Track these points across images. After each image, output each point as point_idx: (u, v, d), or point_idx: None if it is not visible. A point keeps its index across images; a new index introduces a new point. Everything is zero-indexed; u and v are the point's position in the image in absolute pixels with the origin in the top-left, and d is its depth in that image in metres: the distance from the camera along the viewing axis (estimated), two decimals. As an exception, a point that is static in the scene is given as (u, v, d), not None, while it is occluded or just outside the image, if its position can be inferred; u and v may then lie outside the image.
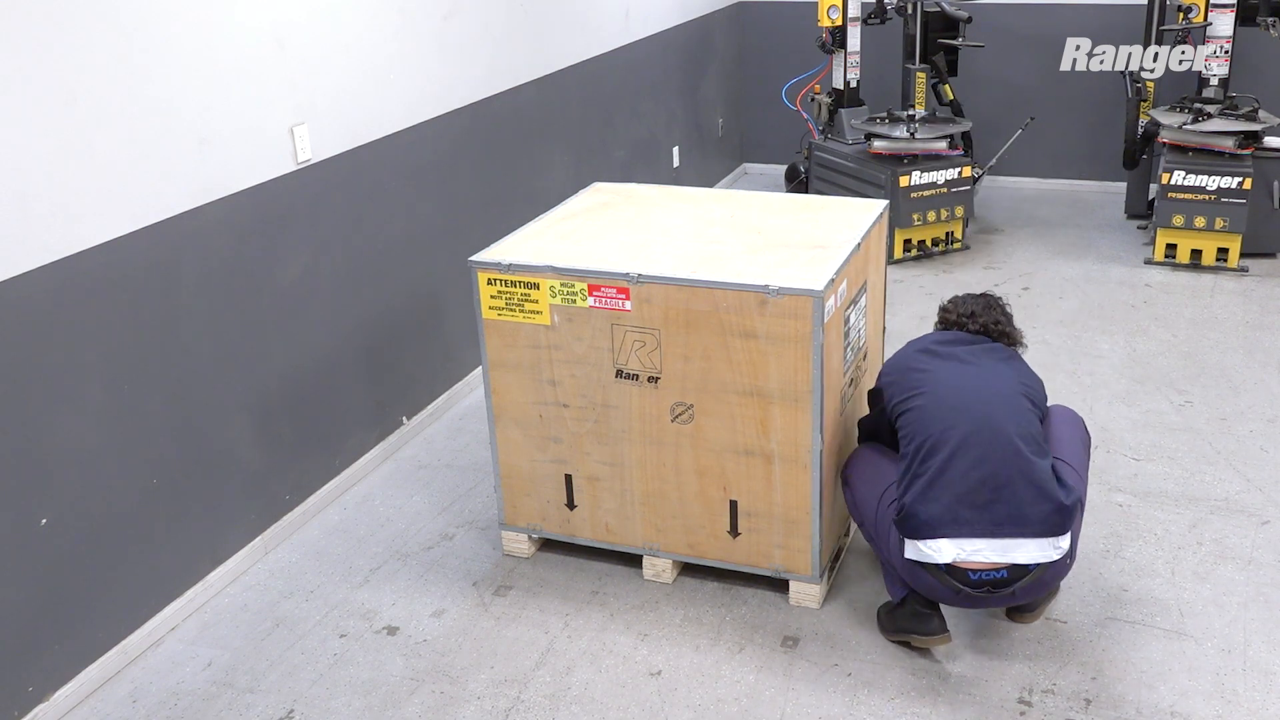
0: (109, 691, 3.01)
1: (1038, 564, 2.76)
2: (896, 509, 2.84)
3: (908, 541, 2.81)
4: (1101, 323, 5.04)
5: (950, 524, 2.75)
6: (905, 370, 3.01)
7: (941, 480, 2.77)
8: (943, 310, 3.19)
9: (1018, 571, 2.76)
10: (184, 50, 3.12)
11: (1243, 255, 5.53)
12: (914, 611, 2.95)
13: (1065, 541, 2.77)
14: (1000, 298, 3.19)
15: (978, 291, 3.23)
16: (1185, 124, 5.52)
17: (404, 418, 4.24)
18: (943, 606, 2.94)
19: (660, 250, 3.22)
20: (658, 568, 3.35)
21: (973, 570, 2.77)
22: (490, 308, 3.23)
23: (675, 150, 6.64)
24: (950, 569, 2.78)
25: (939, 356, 3.00)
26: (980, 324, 3.07)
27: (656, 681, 2.96)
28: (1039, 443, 2.83)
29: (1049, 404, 3.10)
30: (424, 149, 4.21)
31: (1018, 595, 2.82)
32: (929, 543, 2.77)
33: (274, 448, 3.61)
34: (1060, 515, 2.74)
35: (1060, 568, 2.82)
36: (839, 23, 6.24)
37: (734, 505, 3.18)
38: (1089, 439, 3.13)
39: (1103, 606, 3.15)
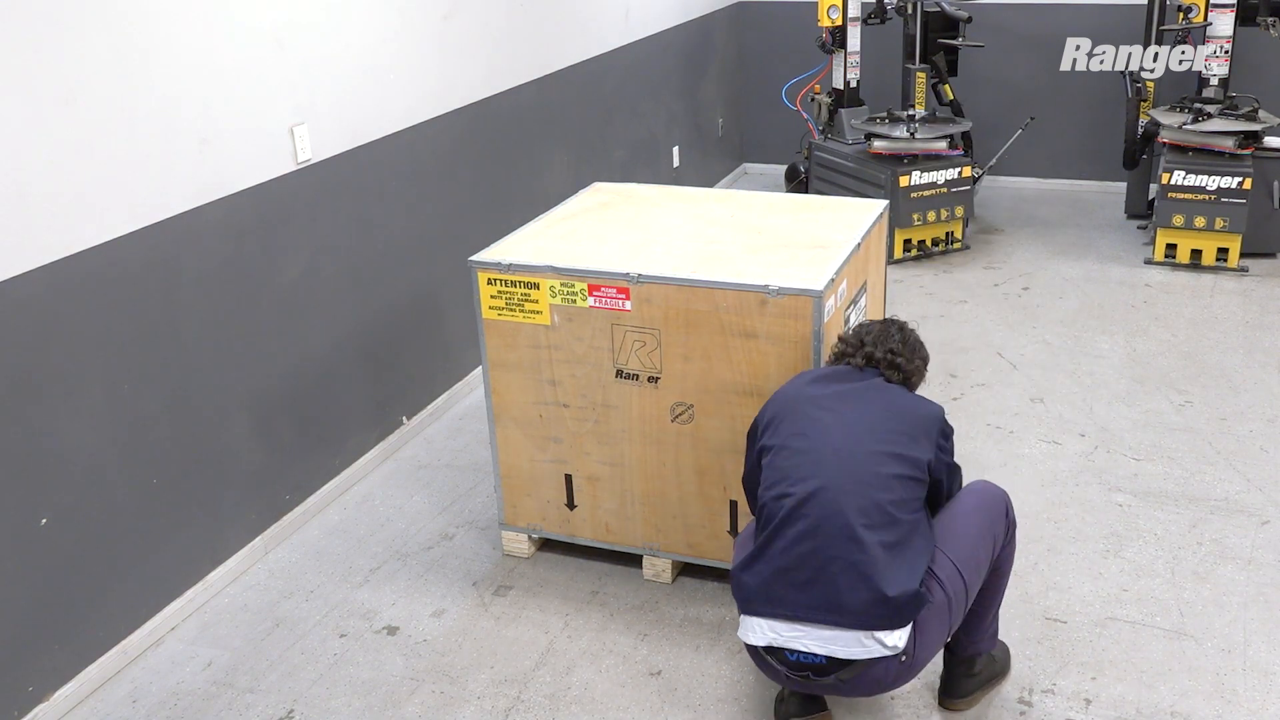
0: (109, 691, 3.01)
1: (857, 659, 2.43)
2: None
3: (740, 616, 2.56)
4: (1101, 323, 5.04)
5: (765, 601, 2.47)
6: (774, 408, 2.70)
7: (768, 550, 2.48)
8: (838, 339, 2.85)
9: (837, 663, 2.43)
10: (184, 50, 3.12)
11: (1243, 255, 5.53)
12: (790, 691, 2.73)
13: (896, 639, 2.38)
14: (904, 324, 2.82)
15: (888, 317, 2.87)
16: (1185, 124, 5.52)
17: (404, 418, 4.24)
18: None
19: (660, 250, 3.22)
20: (658, 568, 3.35)
21: (789, 650, 2.47)
22: (490, 308, 3.23)
23: (675, 150, 6.64)
24: (768, 647, 2.50)
25: (809, 399, 2.65)
26: (865, 356, 2.71)
27: (656, 681, 2.96)
28: (887, 513, 2.42)
29: (971, 482, 2.73)
30: (424, 149, 4.21)
31: (844, 688, 2.49)
32: (746, 619, 2.51)
33: (274, 448, 3.61)
34: (884, 608, 2.35)
35: (894, 666, 2.43)
36: (839, 23, 6.23)
37: (734, 505, 3.18)
38: (1001, 528, 2.66)
39: (1103, 606, 3.15)
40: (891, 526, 2.43)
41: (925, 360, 2.83)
